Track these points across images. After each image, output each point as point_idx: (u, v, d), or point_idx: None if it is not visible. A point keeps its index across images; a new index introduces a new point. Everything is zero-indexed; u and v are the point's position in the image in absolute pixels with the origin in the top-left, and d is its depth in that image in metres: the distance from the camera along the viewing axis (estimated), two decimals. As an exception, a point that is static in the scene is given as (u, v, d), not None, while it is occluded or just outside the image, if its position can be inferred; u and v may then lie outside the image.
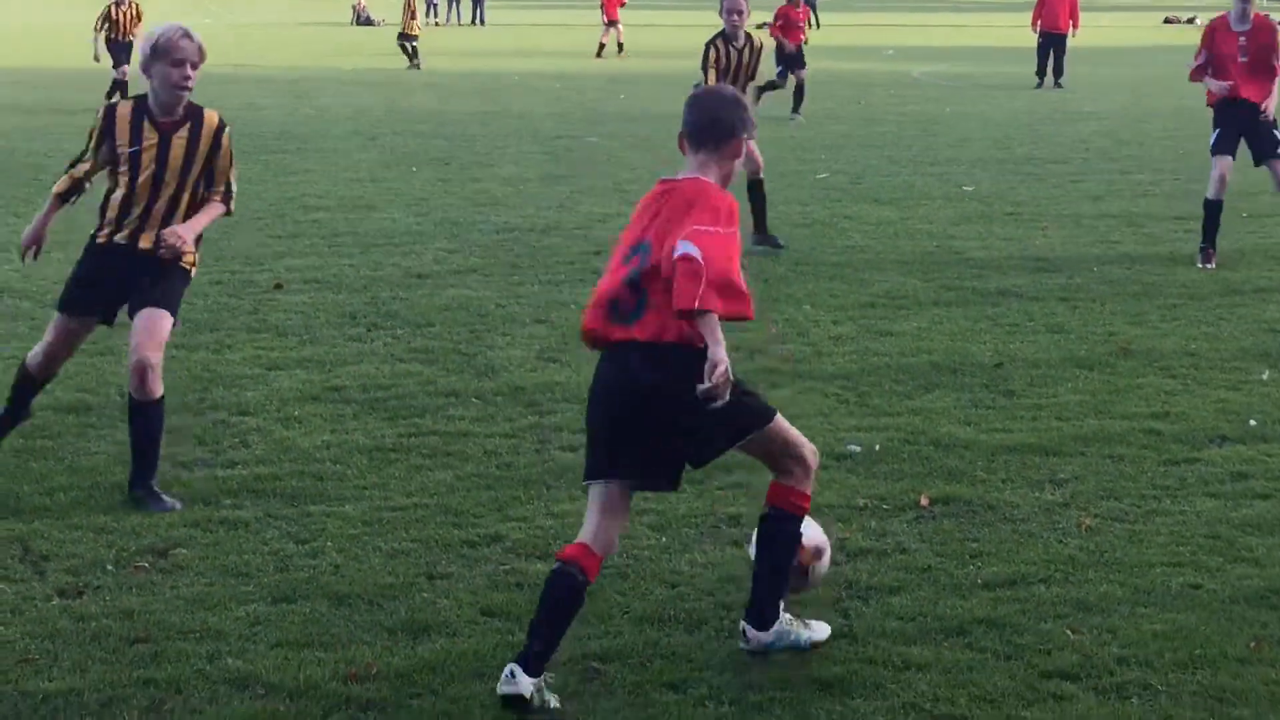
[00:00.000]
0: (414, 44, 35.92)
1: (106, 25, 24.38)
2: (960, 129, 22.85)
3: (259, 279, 11.37)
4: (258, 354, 9.17)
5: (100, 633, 5.25)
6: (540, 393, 8.36)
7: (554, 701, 4.74)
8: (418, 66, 35.03)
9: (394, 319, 10.09)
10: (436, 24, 60.58)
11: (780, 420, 5.23)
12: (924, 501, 6.64)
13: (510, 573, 5.86)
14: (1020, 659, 5.15)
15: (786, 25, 25.54)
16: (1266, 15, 12.53)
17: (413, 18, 36.32)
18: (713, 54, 12.73)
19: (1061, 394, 8.45)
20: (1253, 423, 7.85)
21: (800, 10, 25.97)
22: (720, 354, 4.81)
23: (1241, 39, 12.05)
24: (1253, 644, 5.24)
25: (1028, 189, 16.44)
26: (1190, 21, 69.53)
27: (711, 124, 5.13)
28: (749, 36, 12.95)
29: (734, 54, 12.73)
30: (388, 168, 17.75)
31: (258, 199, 15.23)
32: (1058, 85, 30.67)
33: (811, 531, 5.38)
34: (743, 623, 5.20)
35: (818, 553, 5.39)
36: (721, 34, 12.81)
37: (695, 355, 4.83)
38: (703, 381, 4.77)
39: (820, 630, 5.27)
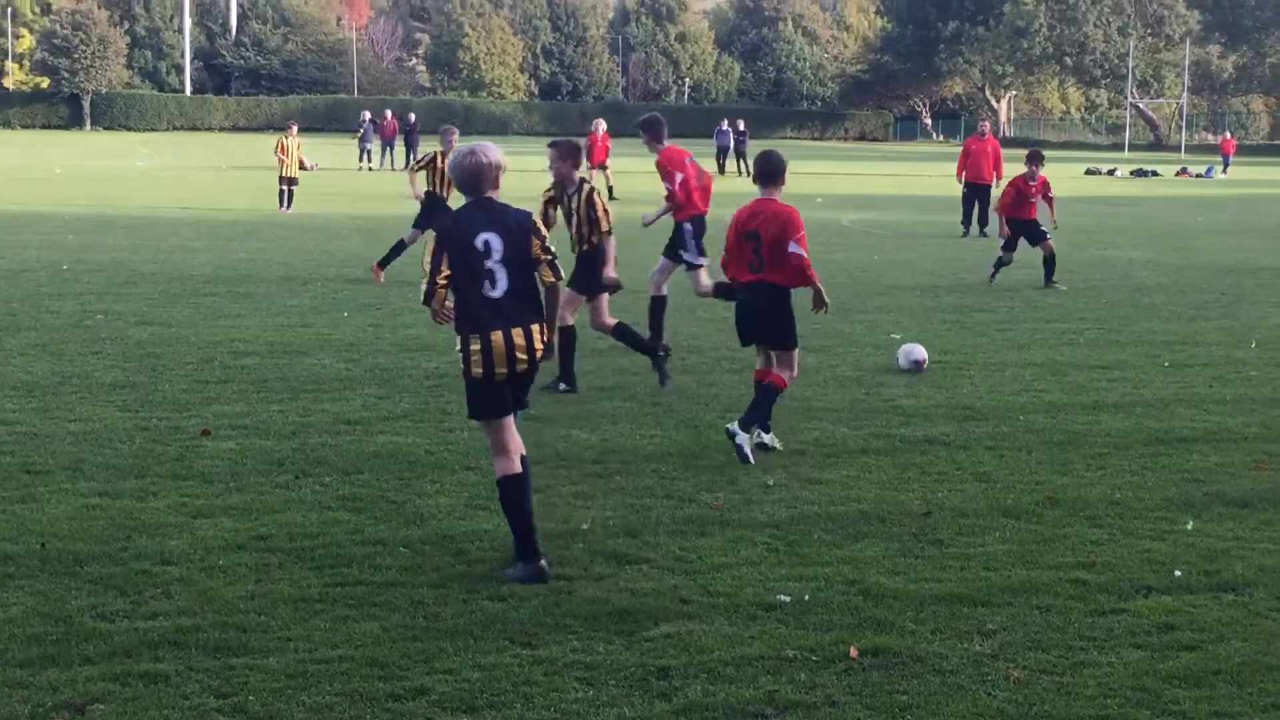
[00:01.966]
0: (293, 187, 36.44)
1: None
2: (888, 276, 23.16)
3: (186, 425, 11.27)
4: (183, 501, 9.06)
5: (13, 792, 5.12)
6: (468, 541, 8.31)
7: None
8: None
9: (322, 466, 10.02)
10: (370, 169, 61.02)
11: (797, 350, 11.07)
12: (854, 654, 6.61)
13: (436, 727, 5.77)
14: (950, 815, 5.10)
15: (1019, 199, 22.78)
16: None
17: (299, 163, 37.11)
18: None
19: (989, 543, 8.49)
20: (1178, 573, 7.90)
21: (1034, 184, 22.69)
22: (825, 294, 10.95)
23: None
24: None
25: (954, 337, 16.63)
26: (1111, 174, 71.15)
27: (773, 169, 11.10)
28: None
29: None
30: (319, 313, 17.75)
31: (186, 343, 15.20)
32: (983, 234, 31.20)
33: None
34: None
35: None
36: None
37: (786, 291, 10.82)
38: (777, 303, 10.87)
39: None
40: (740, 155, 61.70)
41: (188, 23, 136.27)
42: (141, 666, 6.30)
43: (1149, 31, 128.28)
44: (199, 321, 16.88)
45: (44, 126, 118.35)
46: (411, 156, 61.81)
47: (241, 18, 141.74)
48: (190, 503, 9.03)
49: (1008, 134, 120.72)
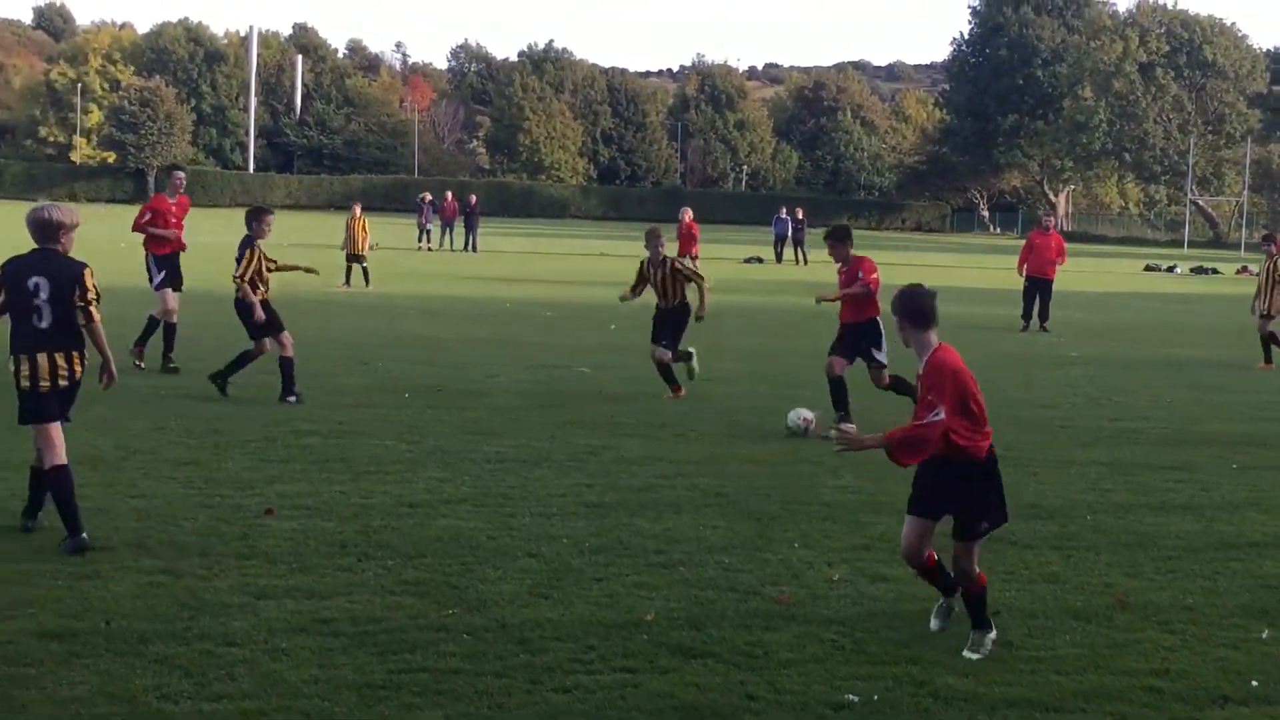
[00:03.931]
0: (364, 265, 37.94)
1: None
2: (948, 370, 23.01)
3: (249, 504, 11.29)
4: (246, 581, 9.05)
5: None
6: (532, 629, 8.25)
7: None
8: (353, 285, 37.09)
9: (385, 549, 9.99)
10: (429, 249, 61.45)
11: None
12: (925, 757, 6.50)
13: (502, 822, 5.69)
14: None
15: None
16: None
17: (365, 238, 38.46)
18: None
19: (1059, 646, 8.35)
20: (1255, 683, 7.74)
21: None
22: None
23: None
24: None
25: (1016, 433, 16.48)
26: (1171, 270, 70.78)
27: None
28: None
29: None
30: (380, 393, 17.79)
31: (249, 421, 15.26)
32: (1043, 329, 31.05)
33: None
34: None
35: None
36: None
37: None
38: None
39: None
40: (798, 244, 61.78)
41: (253, 101, 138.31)
42: (205, 750, 6.26)
43: (1209, 129, 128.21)
44: (261, 399, 16.94)
45: (109, 200, 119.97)
46: (471, 238, 62.45)
47: (306, 98, 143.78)
48: (253, 583, 9.01)
49: (1066, 228, 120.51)
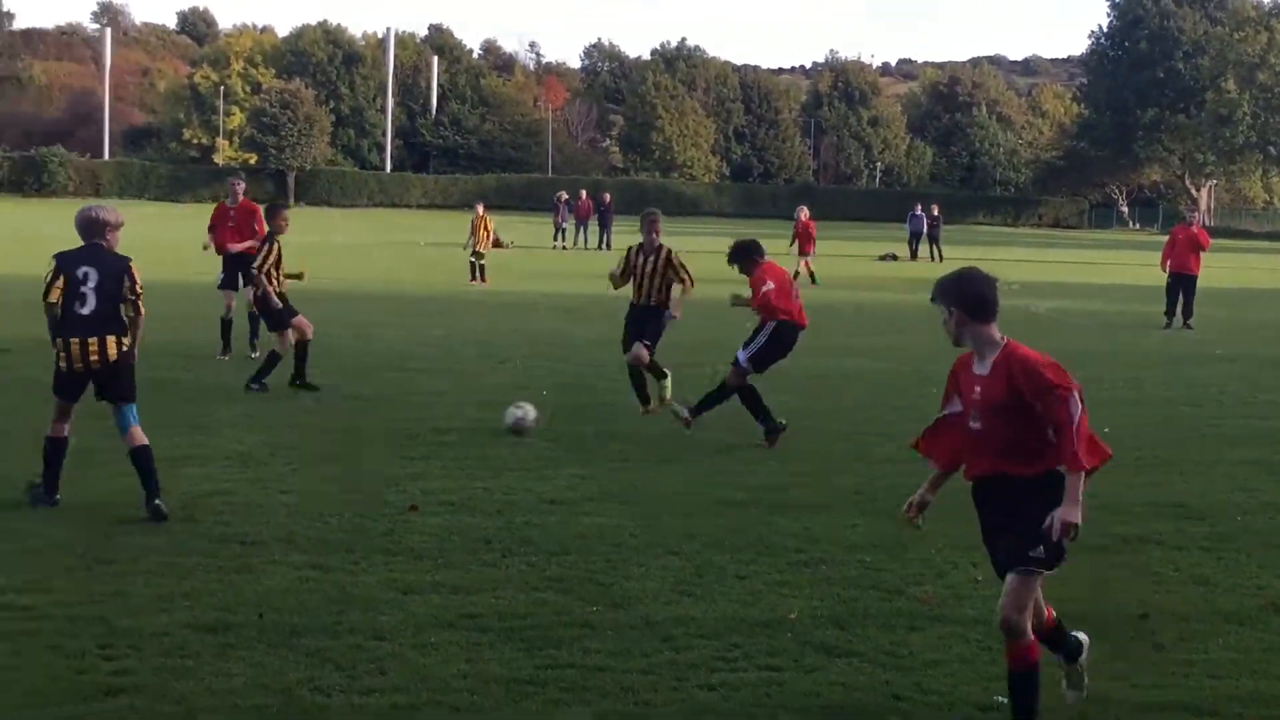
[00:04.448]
0: (481, 263, 38.77)
1: None
2: (1090, 368, 22.68)
3: (393, 500, 11.44)
4: (393, 577, 9.17)
5: None
6: (676, 627, 8.26)
7: None
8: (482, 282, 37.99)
9: (528, 545, 10.07)
10: (564, 248, 61.84)
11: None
12: (1077, 760, 6.41)
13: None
14: None
15: None
16: None
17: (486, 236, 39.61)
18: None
19: (1212, 650, 8.20)
20: None
21: None
22: None
23: None
24: None
25: (1162, 432, 16.21)
26: (1318, 264, 69.02)
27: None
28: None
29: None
30: (518, 390, 17.92)
31: (388, 419, 15.46)
32: (1186, 326, 30.48)
33: None
34: None
35: None
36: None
37: None
38: None
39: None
40: (934, 240, 61.21)
41: (390, 102, 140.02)
42: (358, 742, 6.36)
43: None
44: (399, 397, 17.17)
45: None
46: (605, 236, 62.72)
47: (442, 98, 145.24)
48: (400, 578, 9.12)
49: (1208, 223, 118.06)
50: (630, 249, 16.65)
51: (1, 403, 15.64)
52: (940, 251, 60.59)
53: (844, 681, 7.41)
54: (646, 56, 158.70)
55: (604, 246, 61.90)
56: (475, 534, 10.37)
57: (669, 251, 16.37)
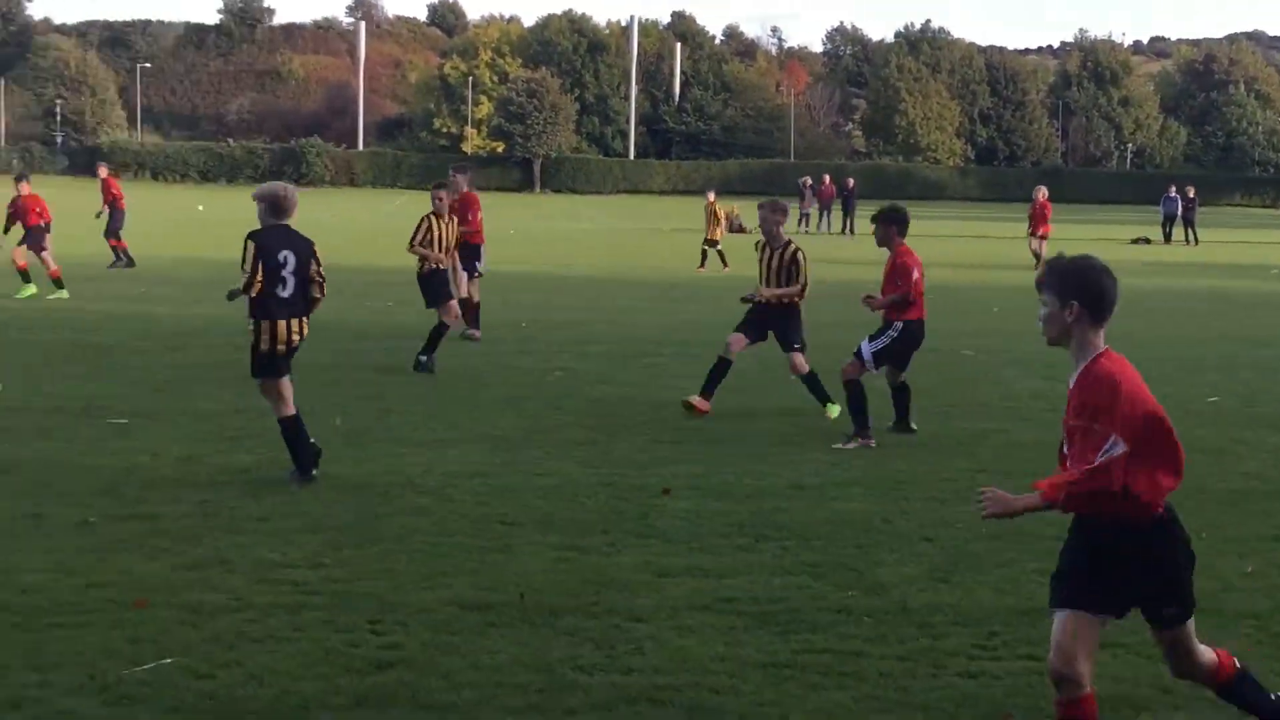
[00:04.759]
0: (718, 249, 38.94)
1: None
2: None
3: (646, 483, 11.56)
4: (648, 559, 9.27)
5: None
6: (931, 614, 8.19)
7: None
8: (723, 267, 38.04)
9: (781, 530, 10.07)
10: (808, 233, 61.68)
11: None
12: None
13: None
14: None
15: None
16: None
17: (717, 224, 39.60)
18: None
19: None
20: None
21: None
22: None
23: None
24: None
25: None
26: None
27: None
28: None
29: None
30: (765, 373, 17.93)
31: (639, 403, 15.63)
32: None
33: None
34: None
35: None
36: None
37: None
38: None
39: None
40: (1189, 223, 59.39)
41: (633, 89, 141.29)
42: (621, 721, 6.46)
43: None
44: (650, 382, 17.33)
45: (497, 189, 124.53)
46: (849, 221, 62.35)
47: (684, 85, 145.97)
48: (655, 561, 9.22)
49: None
50: (757, 243, 15.26)
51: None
52: (1195, 234, 58.80)
53: (1110, 673, 7.25)
54: (890, 39, 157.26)
55: (848, 232, 61.54)
56: (727, 518, 10.41)
57: (797, 249, 14.74)
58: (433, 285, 18.56)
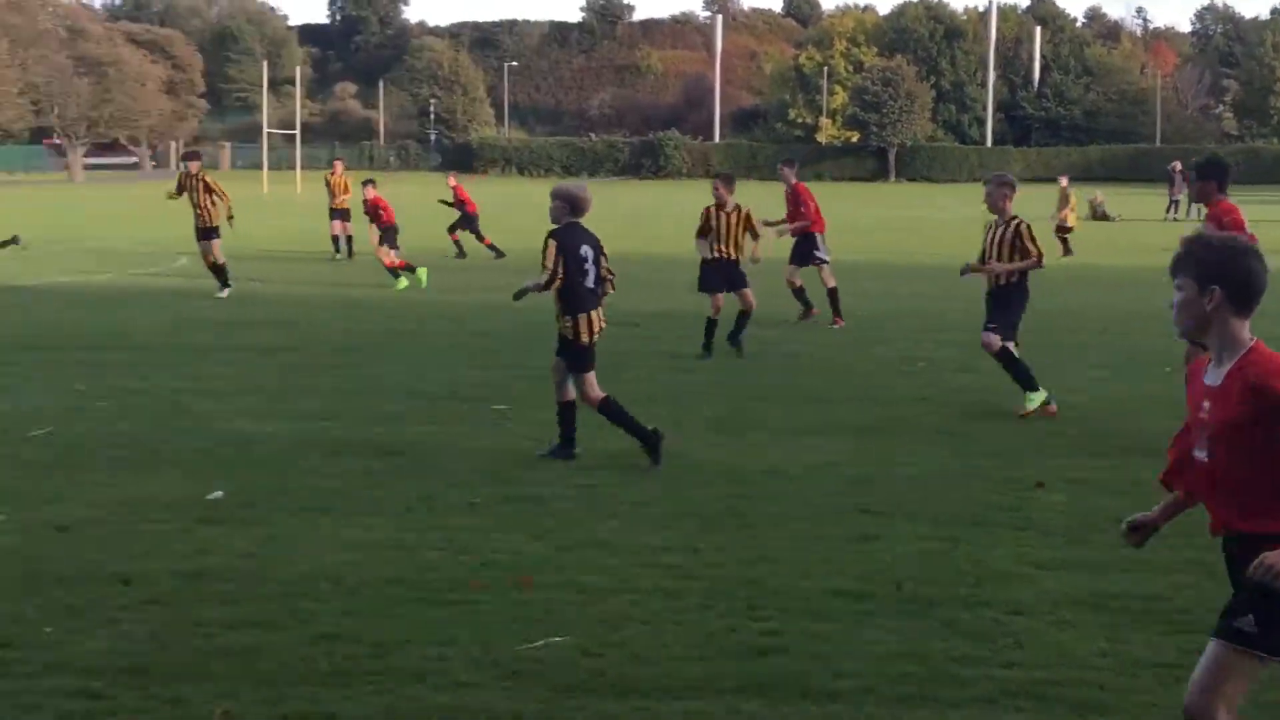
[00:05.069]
0: (1066, 235, 38.47)
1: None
2: None
3: (1018, 475, 11.37)
4: (1023, 551, 9.13)
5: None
6: None
7: None
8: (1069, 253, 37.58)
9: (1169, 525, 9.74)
10: (1176, 219, 59.61)
11: None
12: None
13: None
14: None
15: None
16: None
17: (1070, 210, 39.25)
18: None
19: None
20: None
21: None
22: None
23: None
24: None
25: None
26: None
27: None
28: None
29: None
30: (1149, 366, 17.40)
31: (1006, 391, 15.33)
32: None
33: None
34: None
35: None
36: None
37: None
38: None
39: None
40: None
41: (991, 75, 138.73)
42: (996, 716, 6.38)
43: None
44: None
45: (851, 179, 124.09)
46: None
47: (1044, 69, 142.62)
48: (1032, 553, 9.07)
49: None
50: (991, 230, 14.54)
51: (636, 371, 16.57)
52: None
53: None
54: (1265, 16, 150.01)
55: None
56: (1104, 512, 10.13)
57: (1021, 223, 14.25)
58: (706, 273, 18.85)
